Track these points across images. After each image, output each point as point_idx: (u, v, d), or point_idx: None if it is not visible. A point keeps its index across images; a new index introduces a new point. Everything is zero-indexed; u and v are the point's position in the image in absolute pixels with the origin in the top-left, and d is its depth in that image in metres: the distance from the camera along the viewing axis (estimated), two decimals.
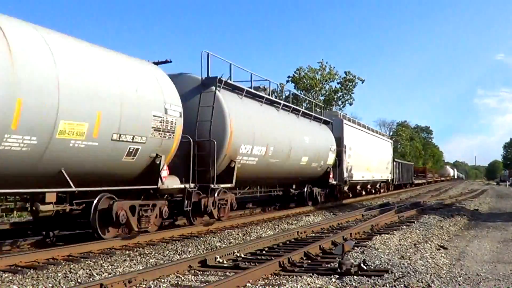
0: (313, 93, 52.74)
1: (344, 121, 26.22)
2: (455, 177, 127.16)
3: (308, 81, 52.93)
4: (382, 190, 37.06)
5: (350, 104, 56.74)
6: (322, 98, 53.91)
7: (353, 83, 55.73)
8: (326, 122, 23.50)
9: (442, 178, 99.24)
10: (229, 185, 13.87)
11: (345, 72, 55.92)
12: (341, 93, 56.03)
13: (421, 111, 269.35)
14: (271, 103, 17.37)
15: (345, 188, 26.44)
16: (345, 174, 25.14)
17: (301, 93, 47.02)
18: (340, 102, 55.96)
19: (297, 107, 20.25)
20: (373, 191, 34.68)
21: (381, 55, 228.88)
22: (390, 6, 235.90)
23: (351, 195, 28.29)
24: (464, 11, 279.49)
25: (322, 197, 22.22)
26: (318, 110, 24.79)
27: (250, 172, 15.31)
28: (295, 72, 53.70)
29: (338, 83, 55.88)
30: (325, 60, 71.49)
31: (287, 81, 52.63)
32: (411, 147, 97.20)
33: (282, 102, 18.39)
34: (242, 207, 19.27)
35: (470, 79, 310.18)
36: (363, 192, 31.68)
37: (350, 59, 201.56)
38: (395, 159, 44.47)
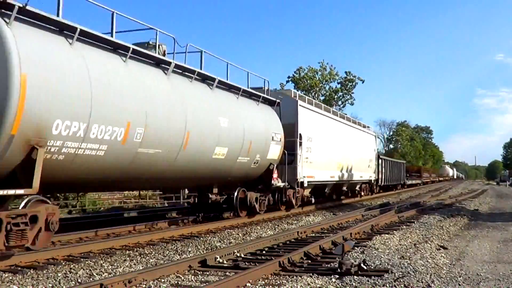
0: (313, 93, 52.86)
1: (300, 102, 19.40)
2: (454, 177, 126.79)
3: (308, 81, 53.09)
4: (363, 193, 30.67)
5: (351, 104, 57.08)
6: (322, 98, 54.08)
7: (353, 83, 56.00)
8: (269, 102, 17.13)
9: (441, 178, 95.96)
10: (22, 191, 7.92)
11: (346, 72, 56.25)
12: (341, 93, 56.26)
13: (421, 111, 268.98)
14: (157, 63, 11.34)
15: (305, 192, 19.98)
16: (301, 174, 18.71)
17: (302, 93, 47.03)
18: (340, 102, 56.20)
19: (210, 75, 13.19)
20: (350, 194, 28.66)
21: (381, 55, 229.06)
22: (390, 6, 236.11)
23: (313, 201, 21.40)
24: (464, 11, 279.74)
25: (262, 205, 16.24)
26: (266, 88, 17.76)
27: (93, 169, 9.40)
28: (295, 72, 53.96)
29: (338, 83, 56.17)
30: (325, 60, 71.83)
31: (287, 81, 52.86)
32: (411, 147, 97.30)
33: (175, 62, 11.65)
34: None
35: (470, 79, 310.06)
36: (334, 196, 25.58)
37: (350, 59, 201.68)
38: (381, 156, 38.20)
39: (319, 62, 55.26)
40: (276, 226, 14.61)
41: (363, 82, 57.07)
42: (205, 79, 13.20)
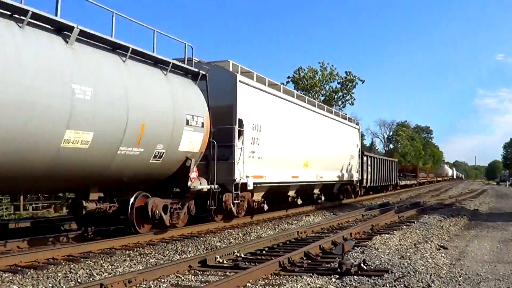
0: (313, 93, 52.94)
1: (241, 78, 14.51)
2: (454, 177, 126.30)
3: (308, 81, 53.19)
4: (342, 196, 26.22)
5: (351, 104, 57.20)
6: (322, 98, 54.18)
7: (353, 83, 56.14)
8: (192, 75, 12.66)
9: (439, 179, 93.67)
10: None
11: (346, 72, 56.41)
12: (341, 93, 56.39)
13: (421, 111, 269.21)
14: None
15: (255, 196, 15.57)
16: (242, 172, 14.15)
17: (302, 93, 47.07)
18: (340, 102, 56.33)
19: (64, 21, 8.75)
20: (323, 198, 22.48)
21: (381, 56, 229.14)
22: (390, 6, 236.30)
23: (266, 208, 16.17)
24: (464, 11, 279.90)
25: (176, 216, 11.98)
26: (190, 58, 12.92)
27: None
28: (295, 72, 54.09)
29: (338, 83, 56.32)
30: (326, 60, 72.08)
31: (287, 81, 52.92)
32: (411, 147, 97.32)
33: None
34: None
35: (470, 79, 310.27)
36: (299, 201, 20.58)
37: (351, 59, 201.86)
38: (366, 153, 32.96)
39: (319, 62, 55.65)
40: (276, 226, 14.61)
41: (363, 82, 57.31)
42: (60, 29, 8.83)
